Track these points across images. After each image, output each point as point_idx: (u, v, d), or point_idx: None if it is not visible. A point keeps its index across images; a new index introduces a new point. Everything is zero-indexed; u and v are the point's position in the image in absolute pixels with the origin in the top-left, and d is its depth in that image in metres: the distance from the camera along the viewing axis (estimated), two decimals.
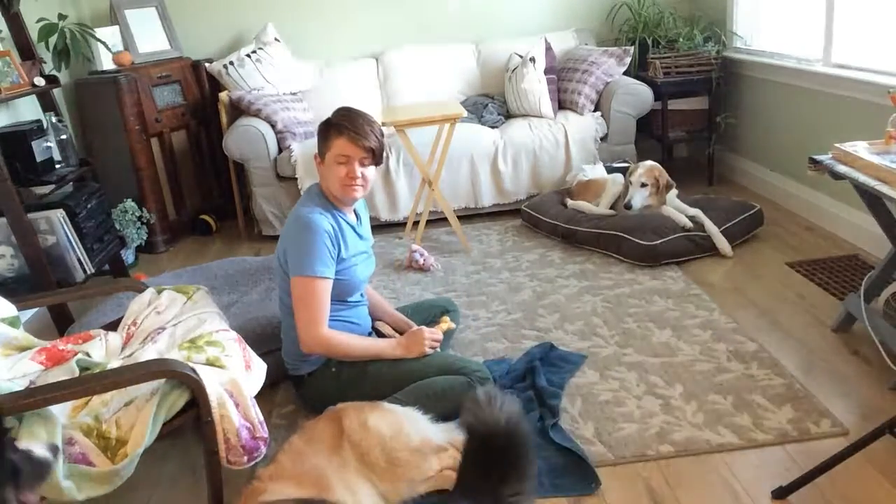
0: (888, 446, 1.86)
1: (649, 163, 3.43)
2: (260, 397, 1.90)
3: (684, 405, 2.17)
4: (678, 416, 2.12)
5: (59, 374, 1.81)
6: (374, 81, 4.54)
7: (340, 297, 2.20)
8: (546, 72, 4.15)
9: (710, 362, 2.39)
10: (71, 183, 3.26)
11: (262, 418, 1.83)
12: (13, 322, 1.99)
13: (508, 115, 4.36)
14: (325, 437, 1.82)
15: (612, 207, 3.56)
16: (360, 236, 2.28)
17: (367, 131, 2.13)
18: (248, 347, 1.98)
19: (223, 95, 4.19)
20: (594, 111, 4.18)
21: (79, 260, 3.00)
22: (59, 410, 1.65)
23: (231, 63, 4.16)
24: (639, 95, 4.07)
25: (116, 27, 4.08)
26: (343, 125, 2.11)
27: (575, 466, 1.93)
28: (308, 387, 2.24)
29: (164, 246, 4.07)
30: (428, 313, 2.58)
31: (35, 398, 1.53)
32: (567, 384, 2.32)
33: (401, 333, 2.37)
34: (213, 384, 1.71)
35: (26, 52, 3.30)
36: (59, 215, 2.95)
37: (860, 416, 2.06)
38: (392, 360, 2.19)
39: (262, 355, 2.03)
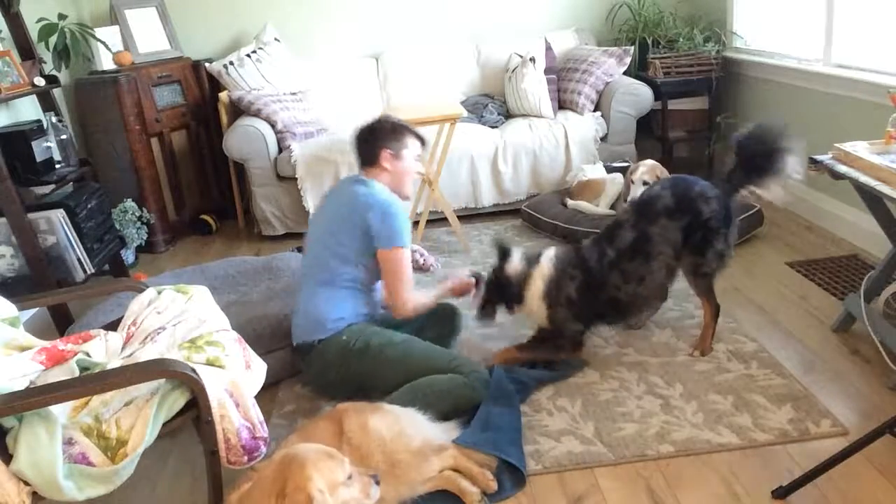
0: (888, 446, 1.86)
1: (651, 161, 3.41)
2: (260, 397, 1.90)
3: (684, 405, 2.17)
4: (678, 416, 2.12)
5: (59, 374, 1.81)
6: (374, 81, 4.54)
7: (373, 282, 2.35)
8: (546, 72, 4.15)
9: (710, 362, 2.39)
10: (71, 183, 3.26)
11: (262, 418, 1.83)
12: (13, 322, 1.99)
13: (508, 115, 4.36)
14: (325, 437, 1.81)
15: (612, 207, 3.55)
16: None
17: None
18: (248, 347, 1.98)
19: (223, 95, 4.20)
20: (594, 111, 4.18)
21: (79, 260, 3.00)
22: (59, 410, 1.65)
23: (231, 63, 4.16)
24: (639, 95, 4.06)
25: (116, 27, 4.08)
26: (411, 128, 2.40)
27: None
28: (316, 355, 2.28)
29: (164, 246, 4.07)
30: (429, 313, 2.58)
31: (35, 398, 1.53)
32: (558, 382, 2.35)
33: None
34: (213, 384, 1.71)
35: (26, 52, 3.30)
36: (59, 215, 2.95)
37: (860, 416, 2.06)
38: (396, 343, 2.25)
39: (262, 355, 2.03)
